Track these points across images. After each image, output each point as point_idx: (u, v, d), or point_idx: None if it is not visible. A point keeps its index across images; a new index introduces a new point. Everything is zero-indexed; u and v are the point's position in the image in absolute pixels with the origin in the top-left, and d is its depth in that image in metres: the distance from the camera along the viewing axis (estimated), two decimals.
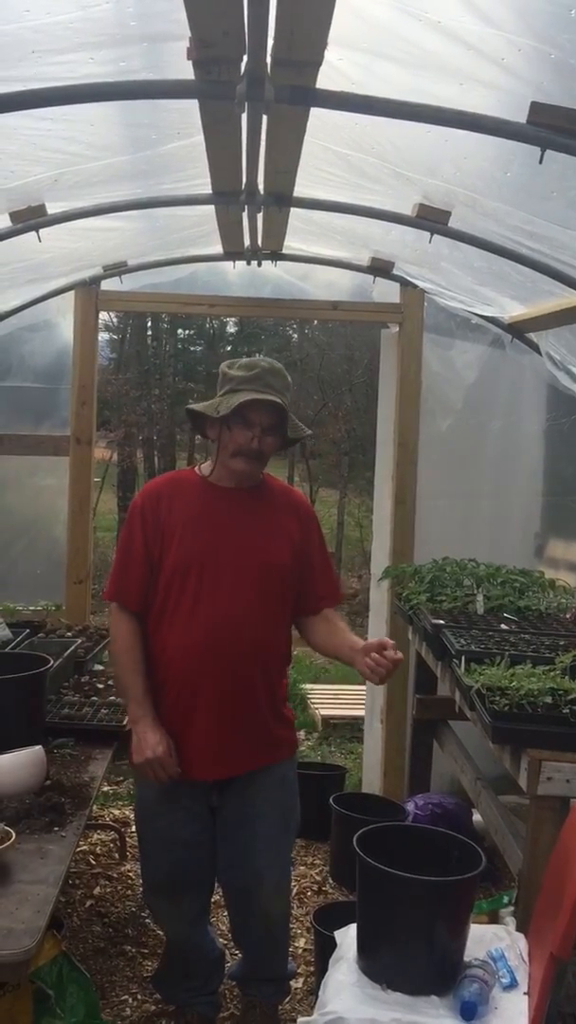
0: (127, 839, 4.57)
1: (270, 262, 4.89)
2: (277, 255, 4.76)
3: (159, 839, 3.01)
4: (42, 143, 2.82)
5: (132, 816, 4.87)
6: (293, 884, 4.25)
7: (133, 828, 4.74)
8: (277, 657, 2.96)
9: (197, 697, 2.84)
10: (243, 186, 3.28)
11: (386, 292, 5.15)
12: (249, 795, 2.93)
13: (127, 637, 2.91)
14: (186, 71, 2.25)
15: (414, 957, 2.37)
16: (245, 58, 2.13)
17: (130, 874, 4.31)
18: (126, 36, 2.26)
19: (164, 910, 3.20)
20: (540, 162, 2.31)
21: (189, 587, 2.84)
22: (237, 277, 5.24)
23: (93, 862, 4.42)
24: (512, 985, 2.37)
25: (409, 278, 4.86)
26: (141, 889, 4.10)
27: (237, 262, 4.92)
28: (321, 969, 3.06)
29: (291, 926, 3.85)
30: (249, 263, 4.83)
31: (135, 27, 2.21)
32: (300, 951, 3.75)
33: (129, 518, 2.99)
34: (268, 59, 2.14)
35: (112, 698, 3.60)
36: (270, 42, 2.07)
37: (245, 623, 2.83)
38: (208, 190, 3.45)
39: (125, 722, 3.34)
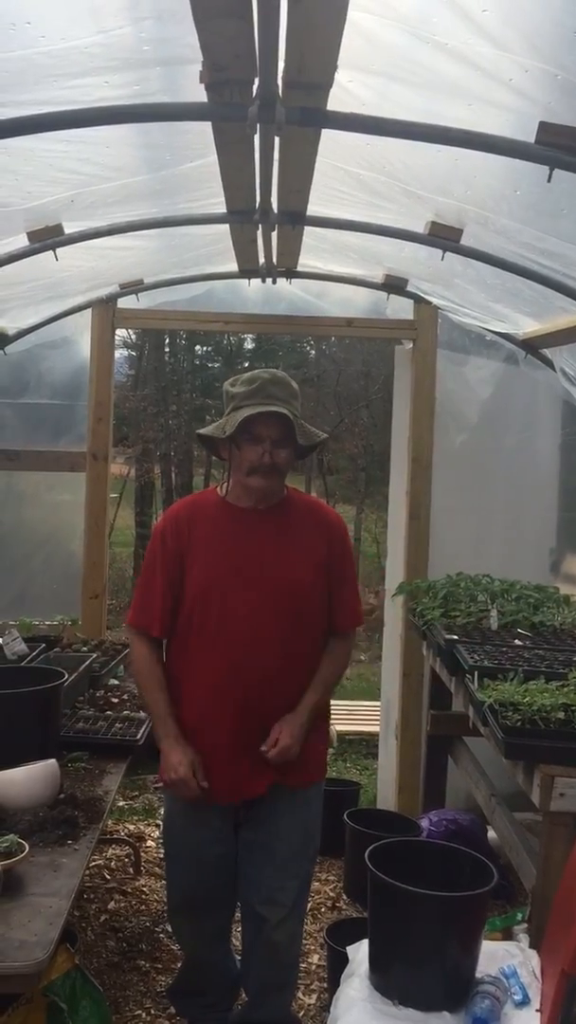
0: (142, 854, 4.58)
1: (285, 280, 4.93)
2: (292, 273, 4.80)
3: (185, 856, 3.01)
4: (59, 164, 2.87)
5: (147, 831, 4.91)
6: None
7: (148, 843, 4.77)
8: (305, 677, 2.88)
9: (220, 721, 2.82)
10: (257, 205, 3.32)
11: (401, 309, 5.18)
12: (272, 817, 2.90)
13: (146, 658, 2.92)
14: (200, 94, 2.28)
15: (426, 973, 2.36)
16: (256, 81, 2.16)
17: (144, 889, 4.32)
18: (140, 60, 2.31)
19: (186, 927, 3.20)
20: (548, 181, 2.33)
21: (211, 611, 2.82)
22: (253, 294, 5.29)
23: (108, 876, 4.43)
24: (524, 1002, 2.36)
25: (423, 295, 4.89)
26: (155, 904, 4.12)
27: (253, 280, 4.96)
28: (333, 985, 3.05)
29: (304, 942, 3.84)
30: (264, 281, 4.88)
31: (148, 51, 2.25)
32: (313, 967, 3.74)
33: (151, 544, 2.99)
34: (279, 82, 2.18)
35: (127, 712, 3.62)
36: (281, 65, 2.10)
37: (267, 646, 2.79)
38: (223, 209, 3.49)
39: (138, 736, 3.37)
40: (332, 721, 6.82)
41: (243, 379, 2.83)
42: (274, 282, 4.91)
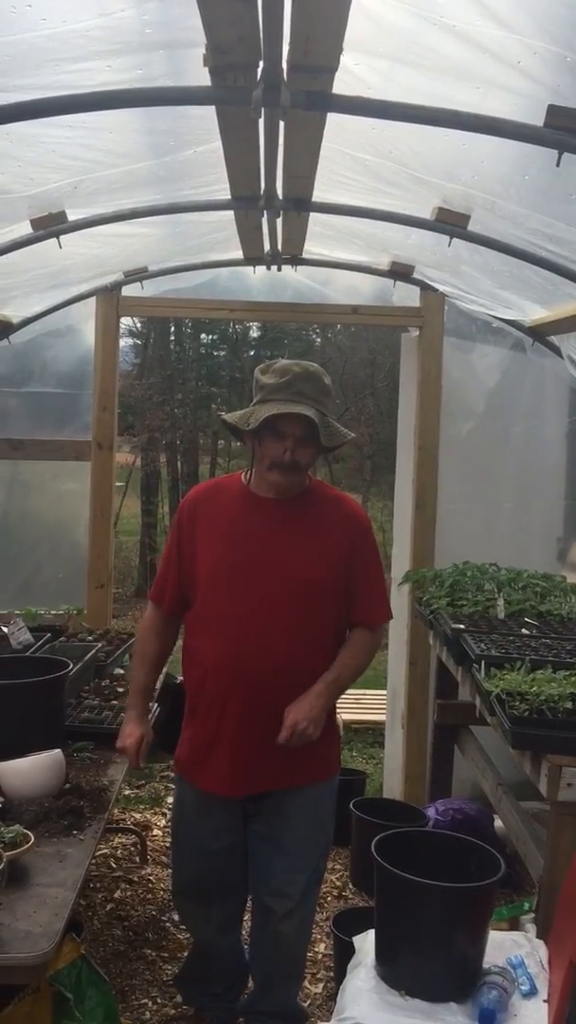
0: (148, 843, 4.58)
1: (291, 267, 4.90)
2: (297, 260, 4.76)
3: (191, 844, 3.01)
4: (61, 150, 2.84)
5: (153, 820, 4.91)
6: None
7: (154, 832, 4.77)
8: (315, 673, 2.80)
9: (224, 711, 2.80)
10: (262, 191, 3.28)
11: (407, 296, 5.14)
12: (281, 811, 2.89)
13: (146, 630, 3.06)
14: (203, 77, 2.25)
15: (433, 963, 2.35)
16: (261, 64, 2.14)
17: (150, 878, 4.32)
18: (143, 43, 2.28)
19: (191, 913, 3.20)
20: (557, 165, 2.30)
21: (221, 597, 2.81)
22: (259, 282, 5.26)
23: (114, 865, 4.43)
24: (531, 992, 2.35)
25: (429, 282, 4.85)
26: (162, 893, 4.12)
27: (258, 267, 4.93)
28: (340, 975, 3.05)
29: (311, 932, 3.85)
30: (269, 268, 4.85)
31: (151, 34, 2.22)
32: (320, 956, 3.74)
33: (173, 523, 3.05)
34: (284, 65, 2.15)
35: None
36: (285, 48, 2.08)
37: (274, 639, 2.75)
38: (227, 195, 3.46)
39: None
40: (338, 709, 6.84)
41: (275, 368, 2.77)
42: (279, 269, 4.88)
